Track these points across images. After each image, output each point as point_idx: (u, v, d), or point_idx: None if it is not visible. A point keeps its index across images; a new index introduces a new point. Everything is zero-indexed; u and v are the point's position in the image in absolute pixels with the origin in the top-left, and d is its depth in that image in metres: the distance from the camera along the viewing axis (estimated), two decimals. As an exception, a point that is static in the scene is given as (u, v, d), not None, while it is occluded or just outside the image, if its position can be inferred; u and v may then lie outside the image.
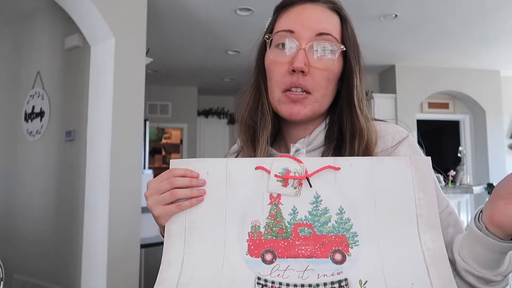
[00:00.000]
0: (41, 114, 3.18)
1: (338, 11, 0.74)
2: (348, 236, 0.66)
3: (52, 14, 3.17)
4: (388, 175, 0.68)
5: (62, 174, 2.98)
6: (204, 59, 5.05)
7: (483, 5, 3.60)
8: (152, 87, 5.46)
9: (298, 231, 0.67)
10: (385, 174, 0.68)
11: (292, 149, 0.74)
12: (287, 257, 0.66)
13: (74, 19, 2.72)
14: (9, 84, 3.59)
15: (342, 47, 0.72)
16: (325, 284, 0.64)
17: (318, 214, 0.67)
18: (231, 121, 6.77)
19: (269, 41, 0.74)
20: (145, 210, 3.24)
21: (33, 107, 3.26)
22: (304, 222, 0.67)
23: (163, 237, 0.71)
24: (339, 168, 0.68)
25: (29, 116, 3.29)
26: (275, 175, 0.68)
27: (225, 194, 0.69)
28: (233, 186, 0.69)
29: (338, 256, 0.66)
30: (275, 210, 0.68)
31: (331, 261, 0.65)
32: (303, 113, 0.72)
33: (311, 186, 0.68)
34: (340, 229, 0.66)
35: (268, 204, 0.68)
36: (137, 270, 2.67)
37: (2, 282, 0.93)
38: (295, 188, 0.68)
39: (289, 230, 0.67)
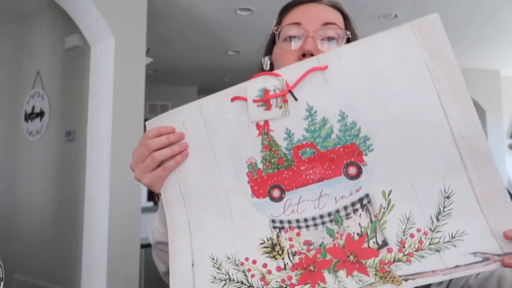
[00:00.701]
0: (41, 114, 3.18)
1: (340, 10, 0.77)
2: (358, 142, 0.55)
3: (52, 14, 3.17)
4: (388, 54, 0.55)
5: (62, 174, 2.98)
6: (204, 59, 5.05)
7: (483, 5, 3.60)
8: (152, 87, 5.45)
9: (300, 154, 0.57)
10: (384, 54, 0.55)
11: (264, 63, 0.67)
12: (296, 188, 0.57)
13: (74, 19, 2.72)
14: (9, 84, 3.59)
15: (348, 33, 0.73)
16: (345, 207, 0.55)
17: (317, 129, 0.57)
18: (231, 121, 6.78)
19: (277, 32, 0.75)
20: (145, 210, 3.24)
21: (33, 107, 3.25)
22: (304, 142, 0.57)
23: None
24: (326, 67, 0.56)
25: (29, 116, 3.29)
26: (254, 100, 0.58)
27: (208, 140, 0.61)
28: (215, 128, 0.61)
29: (352, 170, 0.56)
30: (267, 139, 0.59)
31: (345, 177, 0.56)
32: None
33: (296, 99, 0.57)
34: (346, 137, 0.56)
35: (258, 136, 0.59)
36: (137, 270, 2.67)
37: (2, 282, 0.93)
38: (280, 107, 0.58)
39: (289, 157, 0.58)
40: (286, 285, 0.57)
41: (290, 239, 0.58)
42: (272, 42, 0.77)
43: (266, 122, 0.59)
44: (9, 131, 3.51)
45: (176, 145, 0.62)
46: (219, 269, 0.60)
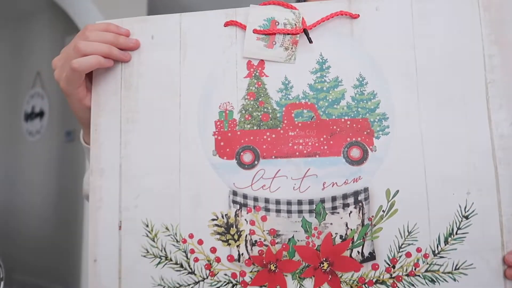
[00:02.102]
0: (41, 114, 3.18)
1: None
2: (373, 119, 0.44)
3: (52, 14, 3.16)
4: (439, 19, 0.44)
5: (62, 174, 2.98)
6: (204, 59, 5.05)
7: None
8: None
9: (293, 115, 0.45)
10: (434, 18, 0.44)
11: None
12: (275, 157, 0.45)
13: (74, 19, 2.71)
14: (9, 84, 3.59)
15: None
16: (333, 198, 0.44)
17: (325, 89, 0.45)
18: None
19: None
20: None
21: (33, 107, 3.25)
22: (303, 101, 0.45)
23: (86, 143, 0.51)
24: (357, 16, 0.45)
25: (29, 116, 3.28)
26: (254, 30, 0.45)
27: (178, 67, 0.47)
28: (191, 53, 0.47)
29: (355, 153, 0.44)
30: (256, 85, 0.46)
31: (344, 160, 0.44)
32: None
33: (311, 41, 0.45)
34: (359, 109, 0.44)
35: (245, 77, 0.46)
36: (137, 270, 2.67)
37: (2, 282, 0.93)
38: (286, 49, 0.45)
39: (278, 115, 0.45)
40: (236, 281, 0.45)
41: (252, 223, 0.45)
42: None
43: (261, 62, 0.46)
44: (9, 131, 3.51)
45: (118, 50, 0.47)
46: (153, 240, 0.47)
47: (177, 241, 0.47)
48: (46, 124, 3.13)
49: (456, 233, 0.43)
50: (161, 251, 0.47)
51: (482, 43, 0.43)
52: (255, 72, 0.46)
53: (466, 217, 0.43)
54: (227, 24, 0.47)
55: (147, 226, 0.47)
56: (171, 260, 0.47)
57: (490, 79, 0.43)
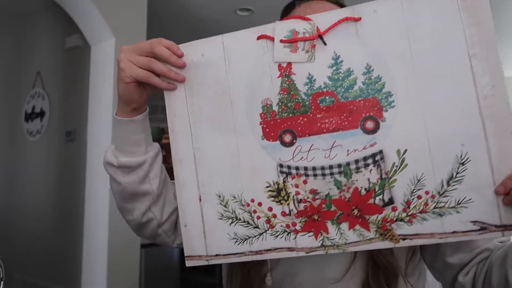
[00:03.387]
0: (41, 114, 3.18)
1: (341, 4, 0.76)
2: (380, 97, 0.56)
3: (52, 14, 3.16)
4: (426, 13, 0.55)
5: (62, 174, 2.98)
6: (204, 59, 5.05)
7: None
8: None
9: (318, 102, 0.57)
10: (422, 13, 0.55)
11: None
12: (309, 135, 0.58)
13: (74, 19, 2.72)
14: (9, 84, 3.59)
15: None
16: (356, 161, 0.56)
17: (340, 78, 0.57)
18: (231, 121, 6.76)
19: None
20: (145, 210, 3.23)
21: (33, 107, 3.25)
22: (324, 90, 0.57)
23: (120, 116, 0.68)
24: (359, 19, 0.56)
25: (29, 116, 3.29)
26: (281, 40, 0.58)
27: (225, 75, 0.61)
28: (234, 64, 0.61)
29: (369, 124, 0.56)
30: (287, 82, 0.59)
31: (361, 131, 0.56)
32: None
33: (325, 43, 0.57)
34: (369, 91, 0.56)
35: (278, 77, 0.59)
36: (137, 270, 2.67)
37: (2, 282, 0.93)
38: (307, 52, 0.58)
39: (307, 103, 0.58)
40: (290, 230, 0.59)
41: (297, 186, 0.58)
42: None
43: (289, 64, 0.58)
44: (9, 131, 3.51)
45: (174, 71, 0.62)
46: (225, 207, 0.61)
47: (243, 205, 0.61)
48: (46, 124, 3.13)
49: (455, 177, 0.54)
50: (232, 213, 0.61)
51: (463, 25, 0.54)
52: (285, 72, 0.59)
53: (463, 164, 0.53)
54: (259, 38, 0.60)
55: (219, 197, 0.62)
56: (240, 219, 0.61)
57: (472, 53, 0.53)
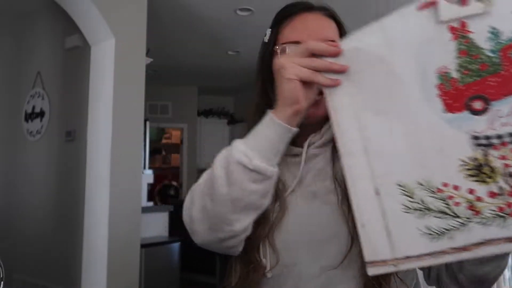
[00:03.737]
0: (41, 114, 3.18)
1: (333, 17, 0.76)
2: None
3: (52, 14, 3.17)
4: None
5: (62, 174, 2.98)
6: (204, 59, 5.05)
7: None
8: (152, 87, 5.45)
9: (510, 55, 0.47)
10: None
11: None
12: (506, 96, 0.48)
13: (74, 19, 2.72)
14: (9, 84, 3.59)
15: None
16: None
17: None
18: (232, 121, 6.76)
19: (278, 51, 0.74)
20: (145, 210, 3.24)
21: (33, 107, 3.26)
22: None
23: (280, 119, 0.60)
24: None
25: (29, 116, 3.29)
26: None
27: (389, 53, 0.54)
28: (396, 40, 0.53)
29: None
30: (464, 43, 0.49)
31: None
32: (317, 114, 0.71)
33: None
34: None
35: (451, 40, 0.50)
36: (137, 270, 2.67)
37: (2, 282, 0.93)
38: (481, 0, 0.48)
39: (495, 61, 0.48)
40: (505, 213, 0.48)
41: (503, 158, 0.48)
42: (269, 54, 0.76)
43: (462, 23, 0.49)
44: (9, 131, 3.51)
45: (337, 63, 0.57)
46: (411, 197, 0.52)
47: (433, 192, 0.51)
48: (46, 124, 3.13)
49: None
50: (420, 204, 0.52)
51: None
52: (459, 33, 0.50)
53: None
54: (420, 8, 0.51)
55: (401, 186, 0.53)
56: (432, 210, 0.51)
57: None
